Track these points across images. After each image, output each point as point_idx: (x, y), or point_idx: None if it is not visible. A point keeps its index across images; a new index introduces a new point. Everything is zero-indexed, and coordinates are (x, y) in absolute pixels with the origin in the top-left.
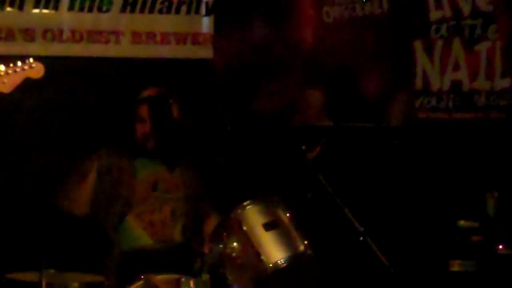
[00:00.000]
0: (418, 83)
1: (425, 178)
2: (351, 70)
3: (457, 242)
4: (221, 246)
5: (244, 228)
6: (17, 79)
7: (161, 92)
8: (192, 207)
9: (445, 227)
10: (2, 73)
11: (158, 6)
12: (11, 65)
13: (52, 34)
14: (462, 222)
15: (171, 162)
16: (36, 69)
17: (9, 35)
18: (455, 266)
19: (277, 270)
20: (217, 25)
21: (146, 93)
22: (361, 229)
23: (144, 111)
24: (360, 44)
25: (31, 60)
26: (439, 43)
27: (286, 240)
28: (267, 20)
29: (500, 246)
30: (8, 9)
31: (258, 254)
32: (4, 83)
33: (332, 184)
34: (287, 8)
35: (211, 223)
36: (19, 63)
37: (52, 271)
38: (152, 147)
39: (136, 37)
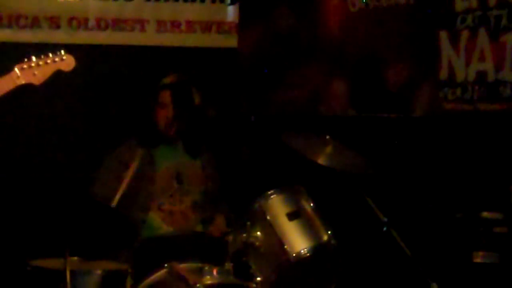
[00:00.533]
0: (443, 73)
1: (450, 169)
2: (375, 60)
3: (480, 233)
4: (244, 235)
5: (268, 217)
6: (48, 71)
7: (183, 78)
8: (210, 200)
9: (469, 218)
10: (33, 65)
11: None
12: (42, 57)
13: (78, 22)
14: (485, 214)
15: (192, 149)
16: (67, 62)
17: (34, 23)
18: (478, 258)
19: (300, 259)
20: (242, 14)
21: (168, 79)
22: (385, 219)
23: (166, 96)
24: (385, 34)
25: (62, 52)
26: (465, 33)
27: (310, 229)
28: (292, 10)
29: None
30: None
31: (281, 244)
32: (35, 75)
33: (356, 174)
34: None
35: (217, 223)
36: (50, 55)
37: (76, 258)
38: (173, 133)
39: (161, 25)
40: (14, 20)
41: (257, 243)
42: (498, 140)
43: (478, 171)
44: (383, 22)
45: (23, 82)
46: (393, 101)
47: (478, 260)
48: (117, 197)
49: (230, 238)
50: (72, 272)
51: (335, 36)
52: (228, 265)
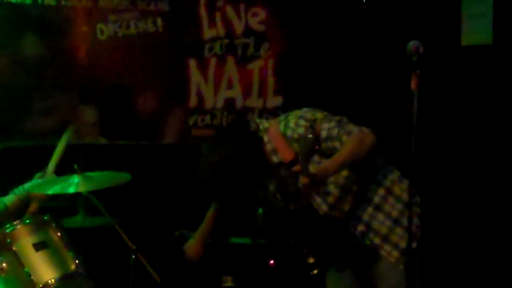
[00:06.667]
0: (192, 101)
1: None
2: (125, 88)
3: (230, 258)
4: None
5: (14, 247)
6: None
7: None
8: None
9: (218, 244)
10: None
11: None
12: None
13: None
14: (235, 239)
15: None
16: None
17: None
18: (228, 282)
19: None
20: None
21: None
22: (134, 247)
23: None
24: (135, 62)
25: None
26: (213, 61)
27: (57, 259)
28: (40, 37)
29: (272, 261)
30: None
31: (28, 274)
32: None
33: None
34: (60, 25)
35: None
36: None
37: None
38: None
39: None
40: None
41: (3, 275)
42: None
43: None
44: (133, 50)
45: None
46: (143, 128)
47: (228, 284)
48: None
49: None
50: None
51: (84, 64)
52: None
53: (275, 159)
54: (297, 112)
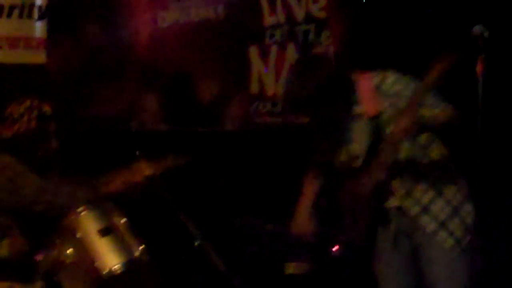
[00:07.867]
0: (254, 88)
1: (261, 182)
2: (187, 75)
3: (292, 245)
4: (55, 253)
5: (79, 234)
6: None
7: None
8: None
9: (279, 230)
10: None
11: None
12: None
13: None
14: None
15: None
16: None
17: None
18: (290, 269)
19: (113, 276)
20: (50, 29)
21: None
22: (197, 233)
23: None
24: (196, 49)
25: None
26: (274, 48)
27: (122, 246)
28: (101, 25)
29: (335, 248)
30: None
31: (93, 261)
32: None
33: (171, 190)
34: (121, 12)
35: None
36: None
37: None
38: None
39: None
40: None
41: (68, 261)
42: (306, 152)
43: (287, 184)
44: (194, 37)
45: None
46: (205, 115)
47: (290, 271)
48: None
49: (41, 256)
50: None
51: (146, 51)
52: (39, 285)
53: (357, 110)
54: (395, 72)
